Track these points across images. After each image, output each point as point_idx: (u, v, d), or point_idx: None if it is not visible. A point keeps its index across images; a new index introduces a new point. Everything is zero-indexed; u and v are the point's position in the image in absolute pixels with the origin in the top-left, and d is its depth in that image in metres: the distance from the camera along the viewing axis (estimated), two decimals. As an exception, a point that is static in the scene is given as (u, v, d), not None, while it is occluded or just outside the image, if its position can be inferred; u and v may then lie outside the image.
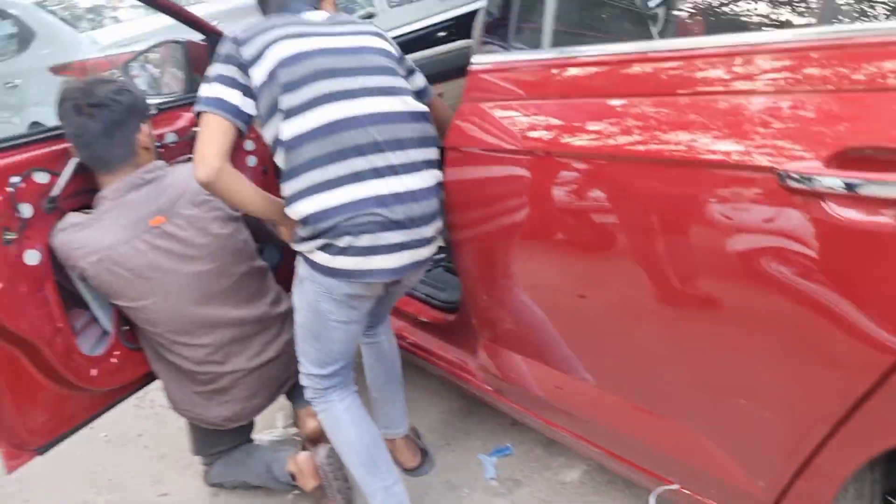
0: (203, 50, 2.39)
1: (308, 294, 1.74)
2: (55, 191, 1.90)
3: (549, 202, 1.47)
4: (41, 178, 1.88)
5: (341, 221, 1.55)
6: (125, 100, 1.91)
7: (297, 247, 1.69)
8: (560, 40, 1.52)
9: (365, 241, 1.56)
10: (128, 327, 2.10)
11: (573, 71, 1.46)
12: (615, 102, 1.33)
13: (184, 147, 2.22)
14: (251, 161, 2.41)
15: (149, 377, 2.19)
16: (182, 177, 1.98)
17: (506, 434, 2.37)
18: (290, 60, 1.60)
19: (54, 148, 1.93)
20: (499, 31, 1.61)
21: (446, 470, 2.27)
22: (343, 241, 1.56)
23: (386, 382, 2.16)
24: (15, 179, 1.81)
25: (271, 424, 2.62)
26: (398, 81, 1.70)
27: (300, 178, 1.58)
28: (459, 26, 2.68)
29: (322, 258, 1.61)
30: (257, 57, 1.60)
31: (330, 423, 1.93)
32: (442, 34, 2.75)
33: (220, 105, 1.60)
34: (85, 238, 1.87)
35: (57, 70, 5.04)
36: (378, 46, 1.73)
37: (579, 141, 1.38)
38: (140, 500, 2.45)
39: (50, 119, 5.15)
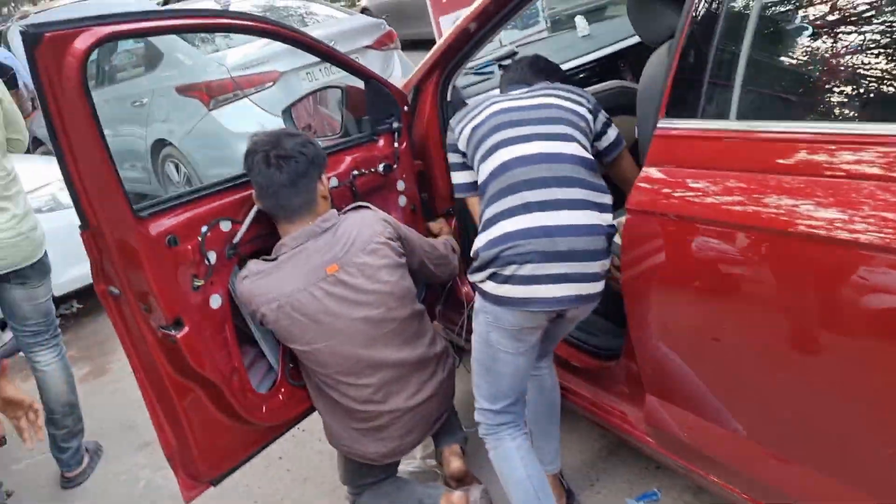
0: (361, 95, 2.45)
1: (481, 325, 1.87)
2: (237, 238, 2.00)
3: (737, 273, 1.46)
4: (225, 226, 1.98)
5: (506, 250, 1.67)
6: (309, 152, 2.02)
7: (471, 277, 1.83)
8: (753, 111, 1.49)
9: (528, 269, 1.67)
10: (293, 365, 2.19)
11: (771, 147, 1.41)
12: (806, 181, 1.31)
13: (345, 191, 2.28)
14: (402, 200, 2.48)
15: (308, 412, 2.27)
16: (354, 226, 2.06)
17: (652, 477, 2.35)
18: (484, 121, 1.90)
19: (236, 197, 2.03)
20: (687, 93, 1.58)
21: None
22: (508, 270, 1.68)
23: (544, 417, 2.19)
24: (204, 228, 1.92)
25: (410, 455, 2.66)
26: (572, 130, 1.83)
27: (483, 217, 1.80)
28: (602, 67, 2.67)
29: (490, 287, 1.74)
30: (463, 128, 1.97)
31: (500, 459, 1.98)
32: (582, 75, 2.75)
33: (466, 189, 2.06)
34: (267, 285, 1.97)
35: (182, 90, 5.24)
36: (558, 103, 1.89)
37: (770, 216, 1.35)
38: None
39: (172, 136, 5.42)
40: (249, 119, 5.05)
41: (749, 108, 1.48)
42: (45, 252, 2.80)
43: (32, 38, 1.51)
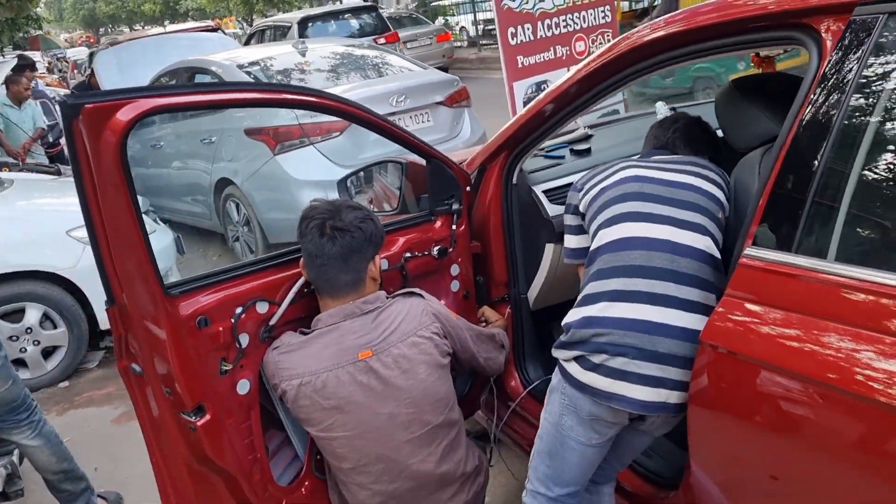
0: (422, 172, 2.36)
1: (554, 406, 1.78)
2: (273, 320, 1.91)
3: (818, 433, 1.33)
4: (262, 307, 1.90)
5: (600, 335, 1.59)
6: (367, 229, 1.91)
7: (555, 353, 1.74)
8: (853, 252, 1.35)
9: (619, 363, 1.58)
10: (319, 456, 2.06)
11: (863, 296, 1.26)
12: None
13: (395, 275, 2.18)
14: (454, 286, 2.37)
15: None
16: (399, 313, 1.94)
17: None
18: (614, 184, 1.81)
19: (275, 277, 1.95)
20: (781, 223, 1.44)
21: None
22: (598, 358, 1.61)
23: None
24: (239, 310, 1.82)
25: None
26: (708, 222, 1.70)
27: (584, 289, 1.73)
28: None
29: (574, 370, 1.66)
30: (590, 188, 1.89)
31: None
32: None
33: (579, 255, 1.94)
34: (294, 360, 1.87)
35: (250, 132, 5.29)
36: (701, 186, 1.77)
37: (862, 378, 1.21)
38: None
39: (236, 176, 5.46)
40: (313, 167, 5.09)
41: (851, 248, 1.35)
42: None
43: (71, 108, 1.44)
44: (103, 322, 4.22)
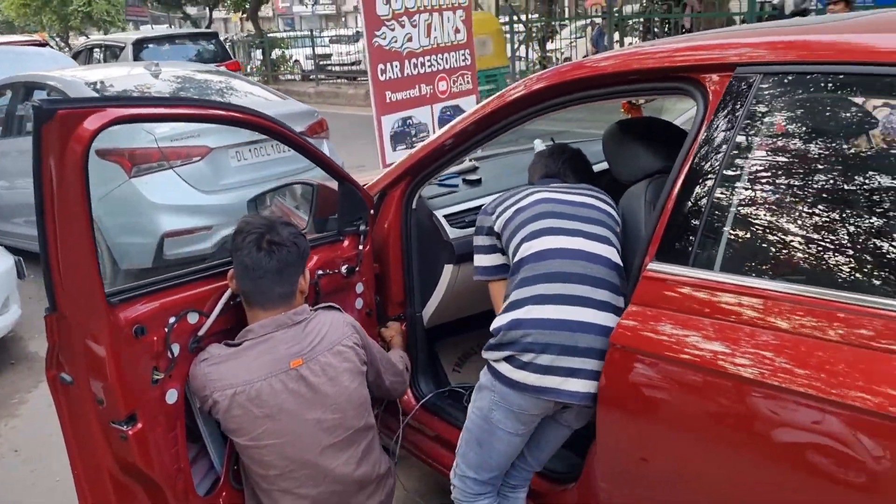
0: (333, 194, 2.45)
1: (484, 402, 1.92)
2: (202, 331, 1.94)
3: (708, 413, 1.53)
4: (192, 318, 1.92)
5: (527, 336, 1.76)
6: (301, 244, 2.00)
7: (486, 354, 1.89)
8: (734, 265, 1.58)
9: (545, 360, 1.74)
10: (236, 467, 2.08)
11: (744, 299, 1.51)
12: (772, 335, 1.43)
13: (309, 290, 2.21)
14: (359, 303, 2.46)
15: None
16: (324, 324, 2.03)
17: None
18: (529, 205, 1.99)
19: (206, 288, 1.97)
20: (677, 242, 1.66)
21: None
22: (526, 357, 1.76)
23: None
24: (172, 319, 1.84)
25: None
26: (610, 234, 1.94)
27: (510, 297, 1.88)
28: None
29: (505, 369, 1.81)
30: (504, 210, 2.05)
31: None
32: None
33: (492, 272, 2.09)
34: (225, 371, 1.90)
35: (102, 153, 5.02)
36: (598, 206, 2.01)
37: (731, 363, 1.46)
38: None
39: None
40: (172, 191, 4.93)
41: (734, 262, 1.58)
42: None
43: (44, 112, 1.45)
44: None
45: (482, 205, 2.73)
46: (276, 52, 20.93)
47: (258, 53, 19.86)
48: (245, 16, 22.12)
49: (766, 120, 1.63)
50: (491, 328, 1.87)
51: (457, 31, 4.84)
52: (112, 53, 12.39)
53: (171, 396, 1.87)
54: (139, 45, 11.99)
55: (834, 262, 1.47)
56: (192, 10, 22.17)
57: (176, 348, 1.86)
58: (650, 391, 1.66)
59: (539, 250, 1.88)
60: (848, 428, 1.31)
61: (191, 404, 1.99)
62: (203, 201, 4.89)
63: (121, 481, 1.82)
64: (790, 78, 1.62)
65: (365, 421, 2.07)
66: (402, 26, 4.50)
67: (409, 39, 4.55)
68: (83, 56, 13.13)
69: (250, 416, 1.89)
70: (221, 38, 14.39)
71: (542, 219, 1.94)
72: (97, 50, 13.11)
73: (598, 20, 13.39)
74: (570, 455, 2.17)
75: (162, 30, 16.17)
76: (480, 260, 2.14)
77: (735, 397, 1.48)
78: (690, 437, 1.61)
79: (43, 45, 11.94)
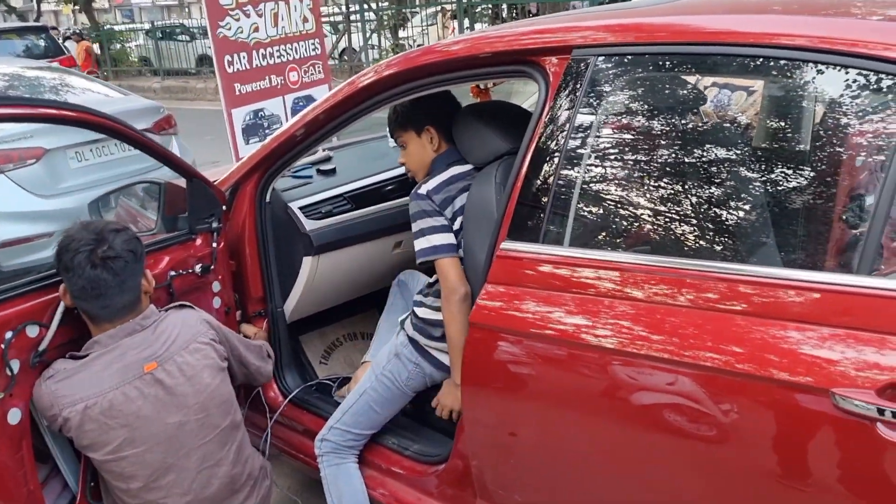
0: (179, 191, 2.35)
1: (402, 374, 2.18)
2: (43, 345, 1.82)
3: (574, 389, 1.59)
4: (32, 331, 1.81)
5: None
6: (137, 250, 1.89)
7: (420, 339, 2.16)
8: (583, 240, 1.64)
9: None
10: (93, 483, 1.98)
11: (593, 272, 1.57)
12: (632, 307, 1.50)
13: (161, 293, 2.15)
14: (216, 302, 2.39)
15: None
16: (175, 324, 1.95)
17: None
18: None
19: (45, 298, 1.85)
20: (527, 221, 1.70)
21: None
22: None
23: None
24: (9, 335, 1.72)
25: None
26: None
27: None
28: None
29: (435, 352, 2.14)
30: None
31: (343, 476, 2.22)
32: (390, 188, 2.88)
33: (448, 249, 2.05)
34: (74, 385, 1.79)
35: None
36: None
37: (596, 338, 1.52)
38: None
39: None
40: (5, 197, 4.57)
41: (578, 237, 1.64)
42: None
43: None
44: None
45: (339, 194, 2.73)
46: (115, 47, 19.82)
47: (95, 48, 18.63)
48: (77, 7, 20.71)
49: (604, 99, 1.69)
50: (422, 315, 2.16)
51: (305, 20, 4.75)
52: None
53: (14, 417, 1.74)
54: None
55: (678, 232, 1.55)
56: (16, 2, 20.54)
57: (16, 365, 1.74)
58: (514, 367, 1.70)
59: None
60: (702, 387, 1.39)
61: (37, 423, 1.87)
62: (41, 206, 4.57)
63: None
64: (625, 59, 1.67)
65: (231, 419, 2.01)
66: (248, 16, 4.36)
67: (256, 30, 4.42)
68: None
69: (105, 429, 1.79)
70: (52, 33, 13.44)
71: None
72: None
73: (449, 7, 13.49)
74: (441, 437, 2.21)
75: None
76: (437, 239, 2.05)
77: (597, 367, 1.53)
78: (555, 408, 1.66)
79: None
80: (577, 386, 1.59)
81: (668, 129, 1.66)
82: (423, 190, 2.10)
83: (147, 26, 21.77)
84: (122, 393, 1.80)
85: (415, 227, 2.09)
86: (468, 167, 2.16)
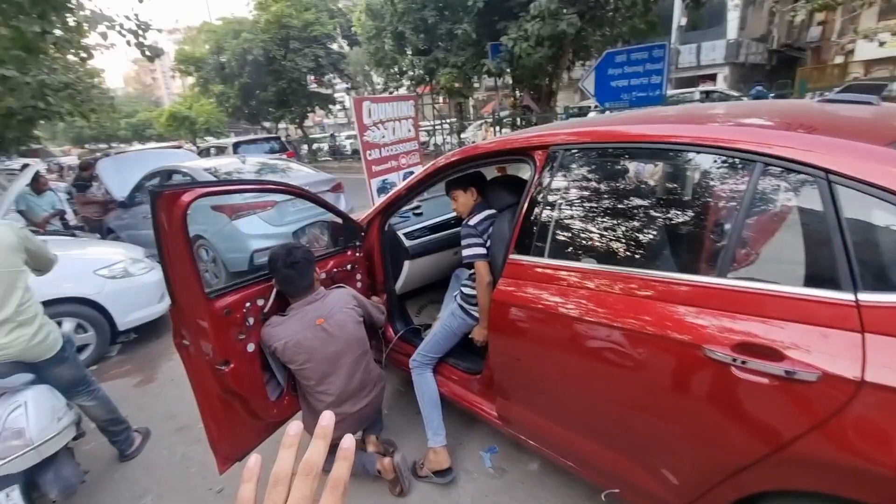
0: (338, 225, 2.36)
1: (454, 322, 2.11)
2: (266, 309, 1.84)
3: (553, 337, 1.53)
4: (259, 302, 1.82)
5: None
6: (309, 257, 1.89)
7: (468, 307, 2.07)
8: (556, 254, 1.56)
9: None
10: (292, 382, 2.00)
11: (566, 274, 1.51)
12: (587, 293, 1.43)
13: (328, 280, 2.16)
14: (358, 284, 2.36)
15: (297, 412, 2.04)
16: (335, 298, 1.94)
17: (493, 439, 2.30)
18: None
19: (264, 285, 1.87)
20: (524, 242, 1.65)
21: (461, 461, 2.18)
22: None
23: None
24: (248, 304, 1.75)
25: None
26: None
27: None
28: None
29: (474, 311, 2.05)
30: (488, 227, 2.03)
31: (424, 380, 2.13)
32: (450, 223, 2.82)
33: (482, 256, 1.95)
34: (280, 331, 1.81)
35: (215, 208, 4.77)
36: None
37: (566, 309, 1.46)
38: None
39: (206, 233, 4.94)
40: (255, 226, 4.73)
41: (554, 252, 1.58)
42: (60, 345, 2.15)
43: (157, 193, 1.35)
44: (123, 325, 3.66)
45: (424, 226, 2.69)
46: (315, 145, 20.43)
47: (304, 146, 19.23)
48: (297, 125, 21.48)
49: (568, 173, 1.62)
50: (466, 292, 2.08)
51: (409, 130, 4.77)
52: (220, 150, 11.91)
53: (250, 347, 1.79)
54: (236, 145, 11.55)
55: (613, 249, 1.47)
56: (267, 124, 21.44)
57: (251, 320, 1.78)
58: (519, 324, 1.63)
59: None
60: (625, 339, 1.32)
61: (263, 351, 1.90)
62: (273, 231, 4.71)
63: (224, 398, 1.74)
64: (579, 151, 1.61)
65: (362, 350, 2.00)
66: (379, 129, 4.40)
67: (383, 136, 4.46)
68: (204, 153, 12.60)
69: (295, 353, 1.82)
70: (282, 139, 13.96)
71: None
72: (213, 149, 12.58)
73: (488, 120, 13.34)
74: (477, 358, 2.16)
75: (249, 136, 15.59)
76: (477, 251, 1.96)
77: (566, 326, 1.47)
78: (541, 347, 1.60)
79: (179, 147, 11.35)
80: (554, 336, 1.52)
81: (607, 188, 1.57)
82: (471, 223, 2.05)
83: (326, 135, 22.49)
84: (304, 335, 1.82)
85: (463, 242, 2.03)
86: (493, 211, 2.09)
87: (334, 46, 18.32)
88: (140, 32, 8.63)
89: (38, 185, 5.89)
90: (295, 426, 0.48)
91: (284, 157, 10.44)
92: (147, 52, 8.99)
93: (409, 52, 12.15)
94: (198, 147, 16.38)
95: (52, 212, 5.92)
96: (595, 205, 1.56)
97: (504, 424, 1.89)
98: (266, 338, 1.82)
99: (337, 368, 1.90)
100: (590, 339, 1.40)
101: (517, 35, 8.42)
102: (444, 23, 10.59)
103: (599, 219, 1.53)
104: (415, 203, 2.97)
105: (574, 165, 1.61)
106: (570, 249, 1.57)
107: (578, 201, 1.61)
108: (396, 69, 13.29)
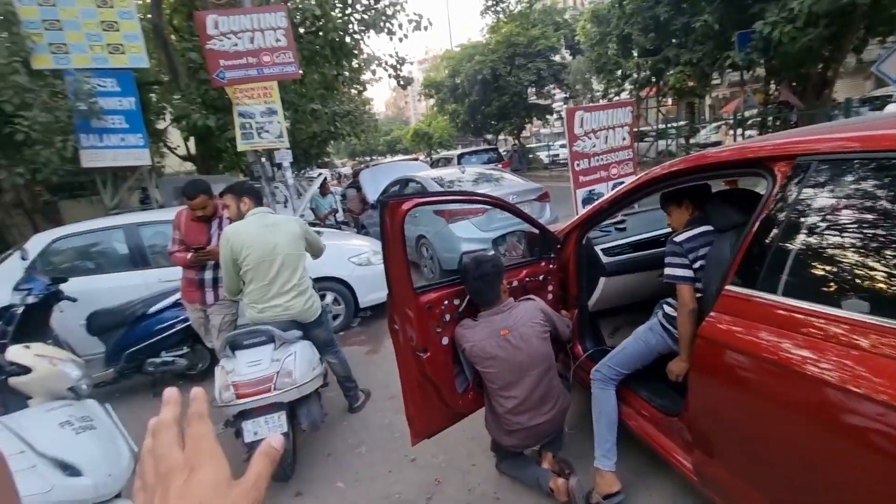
0: (535, 238, 2.38)
1: (651, 339, 1.95)
2: (461, 309, 1.97)
3: (796, 401, 1.20)
4: (455, 301, 1.95)
5: None
6: (498, 269, 1.93)
7: (664, 322, 1.91)
8: (796, 291, 1.24)
9: None
10: (478, 379, 2.11)
11: (824, 323, 1.17)
12: (857, 353, 1.06)
13: (519, 289, 2.18)
14: (549, 297, 2.31)
15: (480, 407, 2.12)
16: (523, 310, 1.94)
17: (684, 490, 1.97)
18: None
19: (460, 287, 1.99)
20: (750, 271, 1.35)
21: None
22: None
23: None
24: (446, 302, 1.91)
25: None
26: None
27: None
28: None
29: (674, 332, 1.85)
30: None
31: (603, 397, 1.98)
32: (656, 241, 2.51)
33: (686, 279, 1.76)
34: (469, 334, 1.90)
35: (437, 212, 5.38)
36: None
37: (821, 371, 1.12)
38: (461, 460, 2.41)
39: (427, 233, 5.61)
40: (467, 230, 5.14)
41: (797, 289, 1.24)
42: (322, 313, 2.74)
43: (384, 203, 1.62)
44: (363, 303, 4.45)
45: (625, 243, 2.48)
46: (531, 155, 20.98)
47: (517, 157, 19.98)
48: (514, 136, 22.47)
49: (824, 191, 1.26)
50: (667, 311, 1.91)
51: (623, 138, 4.45)
52: (447, 161, 13.40)
53: (445, 341, 1.94)
54: (460, 156, 12.82)
55: (871, 291, 1.09)
56: (489, 136, 23.16)
57: (447, 317, 1.93)
58: (738, 374, 1.35)
59: None
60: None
61: (456, 347, 2.06)
62: (481, 235, 5.02)
63: (422, 382, 1.92)
64: (846, 163, 1.22)
65: (546, 364, 1.95)
66: (590, 139, 4.25)
67: (594, 146, 4.29)
68: (436, 163, 14.35)
69: (480, 358, 1.89)
70: (500, 150, 14.85)
71: None
72: (442, 160, 14.26)
73: (729, 121, 11.29)
74: (675, 396, 1.87)
75: (471, 148, 17.06)
76: (682, 272, 1.77)
77: (816, 392, 1.13)
78: (774, 409, 1.29)
79: (416, 159, 13.28)
80: (798, 400, 1.18)
81: (866, 217, 1.16)
82: (677, 239, 1.81)
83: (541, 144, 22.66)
84: (489, 343, 1.87)
85: (666, 260, 1.81)
86: (708, 228, 1.79)
87: (556, 58, 18.46)
88: (398, 66, 10.52)
89: (324, 189, 7.77)
90: (194, 392, 0.47)
91: (500, 166, 11.08)
92: (401, 82, 10.88)
93: (635, 54, 11.32)
94: (431, 158, 18.90)
95: (329, 210, 7.74)
96: (870, 233, 1.17)
97: (702, 484, 1.59)
98: (458, 337, 1.94)
99: (519, 379, 1.90)
100: (857, 416, 1.05)
101: (778, 18, 6.90)
102: (680, 17, 9.48)
103: (877, 253, 1.14)
104: (619, 217, 2.76)
105: (836, 181, 1.24)
106: (825, 289, 1.21)
107: (842, 227, 1.23)
108: (619, 73, 12.58)
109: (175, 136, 10.53)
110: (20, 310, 2.11)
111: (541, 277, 2.29)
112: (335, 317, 4.44)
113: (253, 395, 2.28)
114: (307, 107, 9.10)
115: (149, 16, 7.45)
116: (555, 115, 21.14)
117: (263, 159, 7.32)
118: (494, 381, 1.93)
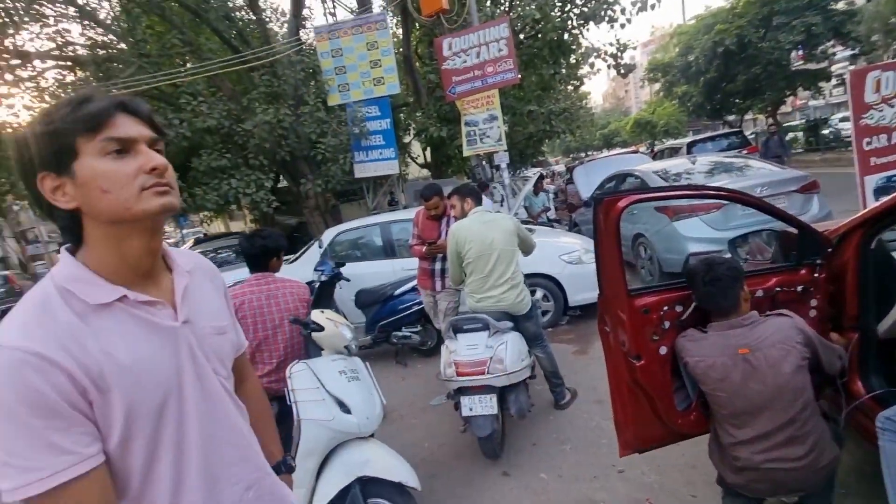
0: (792, 239, 1.93)
1: None
2: (684, 317, 1.78)
3: None
4: (677, 308, 1.77)
5: None
6: (734, 273, 1.64)
7: None
8: None
9: None
10: (704, 399, 1.84)
11: None
12: None
13: (767, 300, 1.82)
14: (812, 313, 1.86)
15: (706, 433, 1.84)
16: (772, 327, 1.60)
17: None
18: None
19: (685, 293, 1.79)
20: None
21: None
22: None
23: None
24: (666, 308, 1.75)
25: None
26: None
27: None
28: None
29: None
30: None
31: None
32: None
33: None
34: (694, 347, 1.68)
35: (657, 209, 4.93)
36: None
37: None
38: (677, 485, 2.19)
39: (646, 232, 5.15)
40: (697, 229, 4.53)
41: None
42: (531, 306, 2.87)
43: (598, 200, 1.59)
44: (572, 302, 4.43)
45: None
46: (789, 135, 16.71)
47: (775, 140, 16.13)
48: (767, 114, 18.25)
49: None
50: None
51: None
52: (674, 151, 11.88)
53: (663, 350, 1.77)
54: (690, 145, 11.18)
55: None
56: (730, 118, 19.41)
57: (667, 324, 1.76)
58: None
59: None
60: None
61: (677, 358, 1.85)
62: (714, 235, 4.36)
63: (632, 389, 1.81)
64: None
65: (799, 399, 1.54)
66: (889, 107, 3.13)
67: (894, 118, 3.13)
68: (659, 155, 12.96)
69: (708, 377, 1.64)
70: (746, 133, 12.28)
71: None
72: (667, 151, 12.77)
73: None
74: None
75: (706, 133, 14.63)
76: None
77: None
78: None
79: (635, 152, 12.20)
80: None
81: None
82: None
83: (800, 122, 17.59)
84: (720, 362, 1.61)
85: None
86: None
87: (838, 5, 14.12)
88: (618, 54, 9.91)
89: (537, 187, 8.03)
90: None
91: (745, 152, 9.23)
92: (622, 70, 10.20)
93: None
94: (653, 150, 17.05)
95: (542, 209, 7.91)
96: None
97: None
98: (680, 349, 1.74)
99: (758, 412, 1.58)
100: None
101: None
102: None
103: None
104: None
105: None
106: None
107: None
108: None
109: (415, 147, 12.52)
110: (317, 285, 2.89)
111: (799, 289, 1.85)
112: (544, 313, 4.54)
113: (470, 375, 2.56)
114: (524, 109, 9.48)
115: (401, 49, 9.07)
116: (833, 81, 16.27)
117: (484, 162, 8.00)
118: (722, 406, 1.66)
